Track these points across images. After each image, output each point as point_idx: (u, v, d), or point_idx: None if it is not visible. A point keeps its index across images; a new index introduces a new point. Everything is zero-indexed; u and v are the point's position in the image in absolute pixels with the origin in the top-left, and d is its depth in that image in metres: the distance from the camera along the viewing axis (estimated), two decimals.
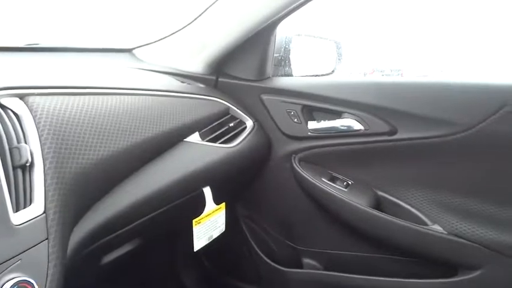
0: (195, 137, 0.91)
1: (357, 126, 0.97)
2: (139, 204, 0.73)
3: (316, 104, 1.02)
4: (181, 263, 1.25)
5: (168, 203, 0.81)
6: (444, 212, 0.92)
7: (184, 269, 1.26)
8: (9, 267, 0.44)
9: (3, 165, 0.49)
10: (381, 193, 1.00)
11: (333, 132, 1.01)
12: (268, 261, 1.13)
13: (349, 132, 0.99)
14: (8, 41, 1.06)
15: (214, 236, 0.96)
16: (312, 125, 1.03)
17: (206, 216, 0.91)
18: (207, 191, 0.91)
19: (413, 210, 0.95)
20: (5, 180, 0.48)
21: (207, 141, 0.93)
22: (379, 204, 0.99)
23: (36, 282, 0.44)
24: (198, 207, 0.90)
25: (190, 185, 0.86)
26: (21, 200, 0.50)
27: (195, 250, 0.90)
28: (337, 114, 1.00)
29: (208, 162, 0.90)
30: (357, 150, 1.00)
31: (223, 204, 0.97)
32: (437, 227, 0.90)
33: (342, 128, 0.99)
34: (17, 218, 0.48)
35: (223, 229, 0.99)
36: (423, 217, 0.93)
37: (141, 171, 0.76)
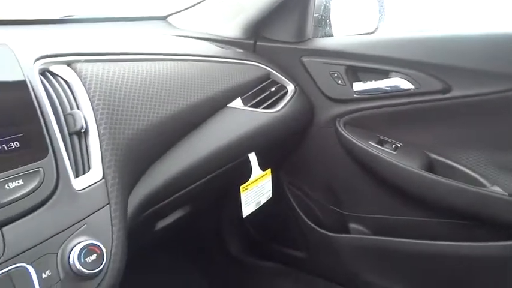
0: (237, 103, 0.89)
1: (406, 85, 0.92)
2: (189, 171, 0.73)
3: (361, 64, 0.97)
4: (227, 230, 1.27)
5: (215, 169, 0.81)
6: (504, 173, 0.87)
7: (230, 236, 1.27)
8: (76, 231, 0.44)
9: (60, 132, 0.48)
10: (433, 155, 0.95)
11: (380, 93, 0.96)
12: (314, 226, 1.11)
13: (397, 92, 0.94)
14: (43, 13, 1.06)
15: (262, 202, 0.96)
16: (357, 86, 0.98)
17: (253, 182, 0.90)
18: (253, 157, 0.90)
19: (469, 172, 0.90)
20: (63, 146, 0.47)
21: (249, 106, 0.91)
22: (431, 167, 0.94)
23: (103, 245, 0.44)
24: (245, 173, 0.89)
25: (236, 151, 0.85)
26: (80, 166, 0.50)
27: (243, 216, 0.90)
28: (384, 74, 0.95)
29: (253, 127, 0.88)
30: (406, 111, 0.95)
31: (269, 170, 0.95)
32: (496, 189, 0.85)
33: (390, 88, 0.94)
34: (78, 184, 0.47)
35: (271, 195, 0.98)
36: (481, 179, 0.88)
37: (188, 138, 0.75)
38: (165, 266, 1.23)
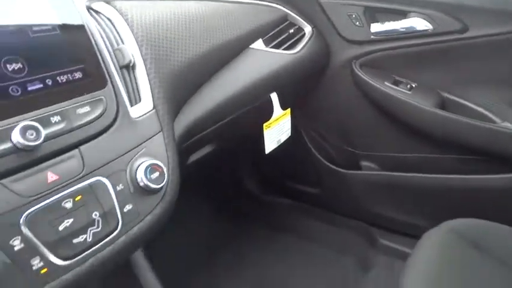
0: (259, 44, 0.91)
1: (425, 25, 0.94)
2: (218, 108, 0.77)
3: (380, 4, 0.98)
4: (244, 169, 1.33)
5: (241, 108, 0.85)
6: None
7: (246, 174, 1.34)
8: (138, 153, 0.49)
9: (113, 65, 0.52)
10: (446, 95, 0.99)
11: (397, 34, 0.98)
12: (328, 164, 1.18)
13: (415, 33, 0.96)
14: None
15: (282, 140, 1.01)
16: (375, 27, 1.00)
17: (275, 120, 0.95)
18: (274, 97, 0.94)
19: (480, 109, 0.94)
20: (119, 77, 0.51)
21: (270, 47, 0.93)
22: (444, 105, 0.99)
23: (163, 165, 0.49)
24: (267, 112, 0.94)
25: (259, 91, 0.88)
26: (132, 98, 0.54)
27: (266, 153, 0.96)
28: (402, 15, 0.97)
29: (275, 68, 0.91)
30: (422, 52, 0.98)
31: (289, 110, 1.00)
32: (507, 124, 0.90)
33: (408, 28, 0.96)
34: (134, 112, 0.52)
35: (290, 134, 1.03)
36: (492, 116, 0.92)
37: (216, 77, 0.79)
38: (181, 200, 1.31)
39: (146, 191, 0.48)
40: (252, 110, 0.89)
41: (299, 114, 1.21)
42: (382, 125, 1.08)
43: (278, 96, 0.95)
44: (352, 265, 1.19)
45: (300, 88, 1.12)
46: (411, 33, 0.96)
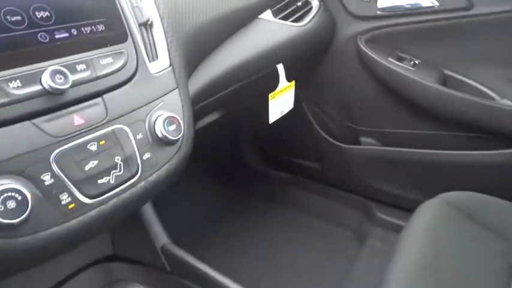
0: (268, 15, 0.93)
1: (430, 2, 0.96)
2: (227, 74, 0.79)
3: None
4: (244, 142, 1.35)
5: (248, 76, 0.87)
6: None
7: (246, 147, 1.37)
8: (157, 106, 0.51)
9: (132, 21, 0.54)
10: (447, 72, 1.02)
11: (403, 10, 0.99)
12: (329, 139, 1.20)
13: (421, 9, 0.97)
14: None
15: (285, 112, 1.03)
16: (382, 3, 1.01)
17: (280, 92, 0.97)
18: (280, 68, 0.95)
19: (480, 87, 0.97)
20: (139, 33, 0.53)
21: (279, 19, 0.95)
22: (445, 83, 1.01)
23: (179, 118, 0.52)
24: (272, 83, 0.96)
25: (266, 61, 0.90)
26: (150, 54, 0.56)
27: (270, 122, 0.98)
28: None
29: (282, 39, 0.92)
30: (427, 29, 0.99)
31: (293, 82, 1.02)
32: (506, 102, 0.93)
33: (414, 5, 0.98)
34: (152, 68, 0.54)
35: (292, 106, 1.05)
36: (491, 93, 0.95)
37: (226, 44, 0.80)
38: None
39: (164, 142, 0.50)
40: (258, 79, 0.91)
41: (302, 88, 1.23)
42: (384, 101, 1.10)
43: (284, 67, 0.97)
44: (348, 237, 1.23)
45: (305, 61, 1.13)
46: (417, 10, 0.98)
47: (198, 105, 0.76)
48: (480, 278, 0.76)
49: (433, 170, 1.08)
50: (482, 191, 0.88)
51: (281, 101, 1.00)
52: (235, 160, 1.41)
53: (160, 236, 0.70)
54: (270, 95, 0.95)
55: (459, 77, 1.01)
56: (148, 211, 0.71)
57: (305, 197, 1.35)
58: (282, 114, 1.03)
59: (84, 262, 0.66)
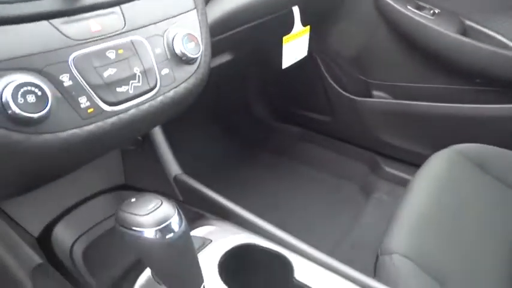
0: None
1: None
2: (246, 8, 0.76)
3: None
4: (253, 95, 1.34)
5: (263, 15, 0.84)
6: None
7: (256, 101, 1.35)
8: (175, 23, 0.50)
9: None
10: (468, 22, 0.99)
11: None
12: (341, 91, 1.19)
13: None
14: None
15: (299, 58, 1.01)
16: None
17: (294, 35, 0.95)
18: (296, 10, 0.92)
19: (501, 37, 0.94)
20: None
21: None
22: (465, 32, 0.98)
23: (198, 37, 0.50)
24: (287, 26, 0.93)
25: (282, 1, 0.87)
26: None
27: (283, 68, 0.96)
28: None
29: None
30: None
31: (308, 27, 0.99)
32: None
33: None
34: None
35: (306, 53, 1.03)
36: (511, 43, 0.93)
37: None
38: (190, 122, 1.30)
39: (182, 60, 0.49)
40: (273, 20, 0.88)
41: (316, 38, 1.20)
42: (398, 52, 1.08)
43: (299, 11, 0.94)
44: (355, 190, 1.24)
45: (321, 7, 1.10)
46: None
47: (214, 38, 0.74)
48: (489, 227, 0.76)
49: (445, 123, 1.06)
50: (494, 144, 0.87)
51: (295, 46, 0.97)
52: (244, 113, 1.39)
53: (173, 166, 0.70)
54: (284, 38, 0.93)
55: (479, 27, 0.98)
56: (161, 142, 0.71)
57: (314, 151, 1.34)
58: (296, 60, 1.01)
59: (95, 190, 0.67)
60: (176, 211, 0.42)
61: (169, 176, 0.69)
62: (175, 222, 0.42)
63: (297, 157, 1.36)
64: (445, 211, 0.76)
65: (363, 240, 1.06)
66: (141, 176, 0.71)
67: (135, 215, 0.41)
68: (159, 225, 0.41)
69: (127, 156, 0.73)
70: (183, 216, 0.43)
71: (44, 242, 0.59)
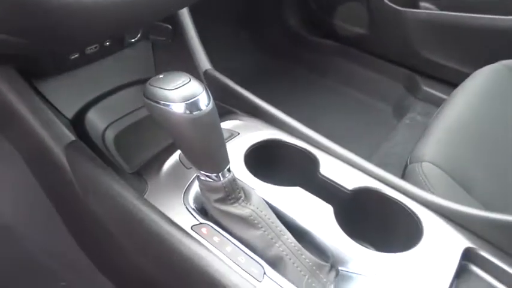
0: None
1: None
2: None
3: None
4: (291, 7, 1.26)
5: None
6: None
7: (290, 10, 1.28)
8: None
9: None
10: None
11: None
12: (386, 1, 1.10)
13: None
14: None
15: None
16: None
17: None
18: None
19: None
20: None
21: None
22: None
23: None
24: None
25: None
26: None
27: None
28: None
29: None
30: None
31: None
32: None
33: None
34: None
35: None
36: None
37: None
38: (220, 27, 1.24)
39: None
40: None
41: None
42: None
43: None
44: (389, 111, 1.20)
45: None
46: None
47: None
48: None
49: (492, 37, 0.98)
50: None
51: None
52: (276, 24, 1.33)
53: (203, 61, 0.68)
54: None
55: None
56: (193, 35, 0.69)
57: (349, 67, 1.29)
58: None
59: (126, 81, 0.67)
60: (204, 89, 0.41)
61: (200, 70, 0.68)
62: (203, 99, 0.41)
63: (331, 73, 1.30)
64: (482, 124, 0.73)
65: (392, 156, 1.04)
66: (171, 69, 0.70)
67: (163, 89, 0.41)
68: (186, 101, 0.40)
69: (157, 49, 0.72)
70: (210, 95, 0.42)
71: (77, 124, 0.61)
